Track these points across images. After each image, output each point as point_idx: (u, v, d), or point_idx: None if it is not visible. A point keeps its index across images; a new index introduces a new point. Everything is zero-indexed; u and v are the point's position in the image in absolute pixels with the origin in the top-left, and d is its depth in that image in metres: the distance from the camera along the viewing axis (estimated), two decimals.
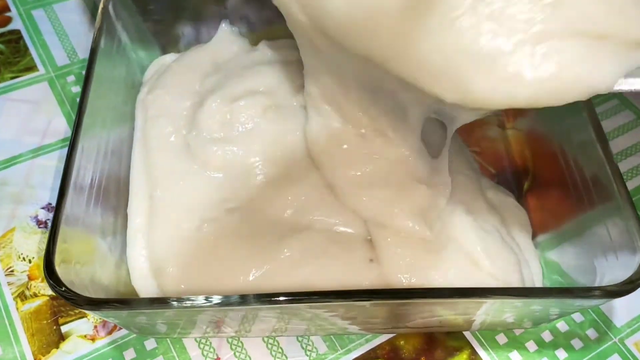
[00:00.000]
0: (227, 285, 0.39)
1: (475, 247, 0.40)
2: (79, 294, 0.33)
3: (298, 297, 0.33)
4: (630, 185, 0.51)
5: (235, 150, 0.45)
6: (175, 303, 0.33)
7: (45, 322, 0.43)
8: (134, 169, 0.46)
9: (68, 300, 0.33)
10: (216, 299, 0.33)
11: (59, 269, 0.34)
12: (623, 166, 0.52)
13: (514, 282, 0.40)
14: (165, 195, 0.44)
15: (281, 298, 0.33)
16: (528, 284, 0.41)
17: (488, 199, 0.46)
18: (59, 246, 0.35)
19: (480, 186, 0.47)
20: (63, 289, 0.32)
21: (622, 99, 0.56)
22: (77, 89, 0.55)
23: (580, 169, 0.44)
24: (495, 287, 0.37)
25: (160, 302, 0.33)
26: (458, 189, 0.44)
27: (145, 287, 0.41)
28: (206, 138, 0.46)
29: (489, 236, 0.42)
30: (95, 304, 0.33)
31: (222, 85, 0.48)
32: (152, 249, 0.42)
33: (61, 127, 0.53)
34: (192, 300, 0.33)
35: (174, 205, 0.44)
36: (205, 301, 0.33)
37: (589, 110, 0.42)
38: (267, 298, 0.33)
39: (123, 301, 0.33)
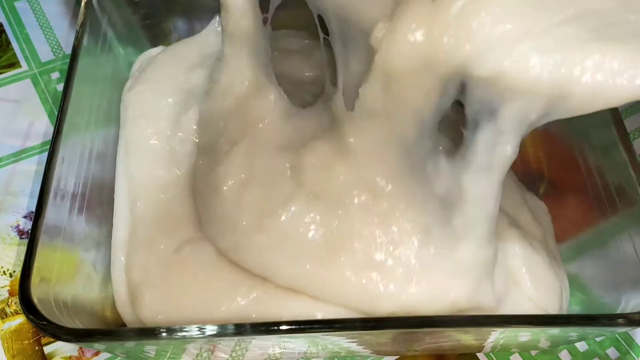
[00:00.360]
0: (210, 314, 0.36)
1: (521, 268, 0.37)
2: (57, 326, 0.30)
3: (300, 326, 0.30)
4: None
5: None
6: (164, 334, 0.30)
7: (27, 342, 0.40)
8: (117, 177, 0.43)
9: (46, 332, 0.30)
10: (210, 330, 0.30)
11: (37, 293, 0.31)
12: None
13: (552, 311, 0.37)
14: (146, 210, 0.41)
15: (281, 328, 0.30)
16: (564, 310, 0.38)
17: (528, 205, 0.43)
18: (37, 263, 0.32)
19: (521, 189, 0.44)
20: (43, 322, 0.29)
21: None
22: (61, 87, 0.51)
23: (600, 173, 0.41)
24: (511, 315, 0.34)
25: (148, 333, 0.30)
26: (503, 194, 0.41)
27: (127, 315, 0.38)
28: (193, 142, 0.42)
29: (536, 256, 0.38)
30: (76, 335, 0.30)
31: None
32: (129, 272, 0.39)
33: (44, 128, 0.49)
34: (185, 331, 0.30)
35: (153, 222, 0.40)
36: (198, 332, 0.30)
37: (611, 109, 0.39)
38: (264, 327, 0.30)
39: (106, 332, 0.31)
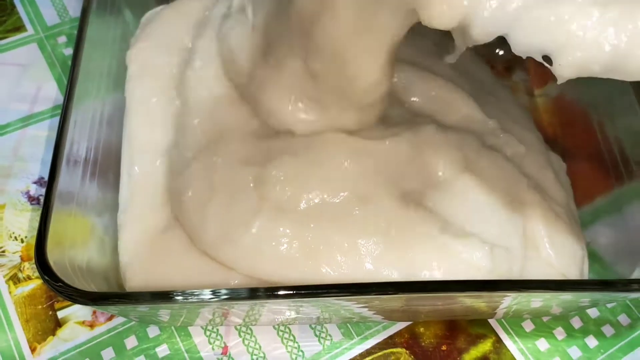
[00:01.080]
0: None
1: (541, 233, 0.37)
2: (74, 289, 0.30)
3: (310, 290, 0.30)
4: None
5: None
6: (179, 297, 0.30)
7: (40, 307, 0.40)
8: (124, 139, 0.42)
9: (62, 295, 0.30)
10: (224, 294, 0.30)
11: (52, 257, 0.31)
12: None
13: (572, 277, 0.37)
14: (141, 177, 0.40)
15: (290, 292, 0.30)
16: (584, 276, 0.38)
17: (554, 167, 0.42)
18: (52, 228, 0.32)
19: (546, 150, 0.43)
20: (59, 284, 0.29)
21: None
22: (68, 51, 0.51)
23: (617, 139, 0.40)
24: (526, 280, 0.33)
25: (163, 297, 0.30)
26: (527, 155, 0.41)
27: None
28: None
29: (558, 221, 0.38)
30: (92, 298, 0.30)
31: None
32: (120, 252, 0.38)
33: (52, 93, 0.49)
34: (198, 294, 0.30)
35: (145, 192, 0.39)
36: (212, 296, 0.30)
37: None
38: (275, 292, 0.30)
39: (121, 295, 0.31)
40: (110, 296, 0.30)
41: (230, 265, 0.35)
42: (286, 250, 0.34)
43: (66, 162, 0.35)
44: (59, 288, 0.29)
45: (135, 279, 0.36)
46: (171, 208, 0.38)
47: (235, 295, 0.30)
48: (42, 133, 0.47)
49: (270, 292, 0.30)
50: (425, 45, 0.46)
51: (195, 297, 0.30)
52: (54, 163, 0.34)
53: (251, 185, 0.36)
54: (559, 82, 0.26)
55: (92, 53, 0.40)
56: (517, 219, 0.37)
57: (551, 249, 0.37)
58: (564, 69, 0.26)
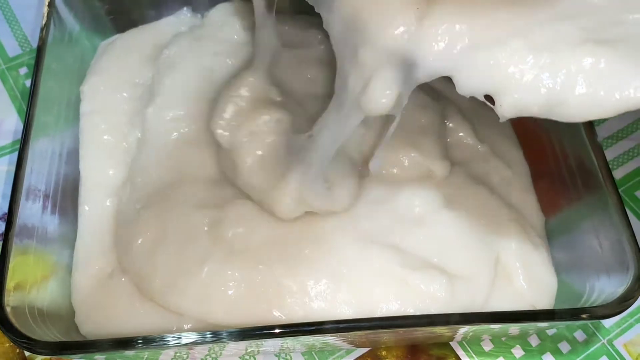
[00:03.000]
0: None
1: (515, 264, 0.38)
2: (34, 341, 0.30)
3: (269, 330, 0.31)
4: (622, 171, 0.48)
5: None
6: (141, 344, 0.30)
7: (7, 345, 0.40)
8: (80, 175, 0.42)
9: (24, 348, 0.30)
10: (188, 338, 0.30)
11: (12, 304, 0.32)
12: (613, 151, 0.49)
13: (540, 307, 0.38)
14: (89, 217, 0.40)
15: (254, 332, 0.31)
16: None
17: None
18: (12, 272, 0.33)
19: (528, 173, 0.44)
20: (19, 339, 0.30)
21: None
22: (30, 82, 0.51)
23: (565, 157, 0.41)
24: (478, 313, 0.34)
25: (125, 344, 0.30)
26: (513, 179, 0.42)
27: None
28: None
29: (534, 252, 0.39)
30: (52, 348, 0.30)
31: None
32: (72, 291, 0.38)
33: (13, 127, 0.48)
34: (163, 340, 0.30)
35: (95, 233, 0.39)
36: (175, 341, 0.30)
37: None
38: (240, 333, 0.31)
39: (82, 345, 0.31)
40: (71, 346, 0.31)
41: (180, 312, 0.35)
42: (234, 294, 0.35)
43: (25, 198, 0.36)
44: (18, 342, 0.30)
45: (87, 322, 0.36)
46: (117, 257, 0.38)
47: (199, 340, 0.30)
48: (3, 168, 0.46)
49: (232, 334, 0.30)
50: None
51: (158, 343, 0.30)
52: (12, 200, 0.35)
53: (205, 228, 0.36)
54: (501, 120, 0.27)
55: (51, 84, 0.40)
56: (489, 251, 0.38)
57: (524, 281, 0.38)
58: (505, 109, 0.27)
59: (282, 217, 0.36)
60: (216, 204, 0.37)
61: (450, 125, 0.43)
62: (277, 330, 0.31)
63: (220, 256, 0.35)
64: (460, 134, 0.43)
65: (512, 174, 0.43)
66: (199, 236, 0.36)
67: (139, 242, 0.37)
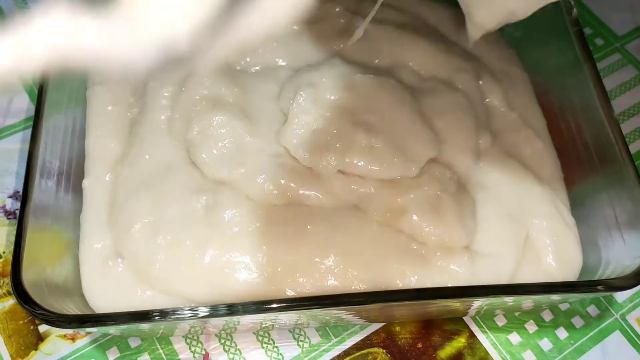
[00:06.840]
0: None
1: (545, 242, 0.38)
2: (52, 313, 0.30)
3: (287, 304, 0.31)
4: (633, 148, 0.48)
5: None
6: (157, 317, 0.30)
7: (21, 322, 0.40)
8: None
9: (42, 320, 0.30)
10: (203, 311, 0.30)
11: (29, 280, 0.32)
12: (626, 127, 0.49)
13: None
14: (90, 190, 0.39)
15: (272, 306, 0.31)
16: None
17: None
18: (28, 248, 0.33)
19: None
20: (37, 310, 0.30)
21: (625, 53, 0.53)
22: None
23: (580, 132, 0.41)
24: (495, 285, 0.35)
25: (141, 317, 0.31)
26: (544, 151, 0.42)
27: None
28: (158, 119, 0.40)
29: (566, 232, 0.38)
30: (69, 321, 0.31)
31: None
32: (82, 264, 0.37)
33: (24, 105, 0.48)
34: (178, 313, 0.30)
35: (95, 210, 0.38)
36: (191, 314, 0.31)
37: (589, 66, 0.39)
38: (255, 307, 0.31)
39: (98, 318, 0.31)
40: (88, 319, 0.31)
41: (185, 297, 0.35)
42: (242, 277, 0.35)
43: (39, 175, 0.35)
44: (36, 314, 0.30)
45: (95, 298, 0.36)
46: (113, 240, 0.37)
47: (213, 312, 0.31)
48: (16, 146, 0.46)
49: (247, 307, 0.31)
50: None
51: (174, 316, 0.30)
52: (26, 179, 0.34)
53: (202, 212, 0.36)
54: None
55: None
56: (519, 229, 0.37)
57: (553, 260, 0.37)
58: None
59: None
60: (211, 187, 0.37)
61: (485, 88, 0.43)
62: (292, 304, 0.31)
63: (221, 240, 0.35)
64: (494, 100, 0.43)
65: (543, 146, 0.42)
66: (196, 220, 0.36)
67: (136, 227, 0.36)
